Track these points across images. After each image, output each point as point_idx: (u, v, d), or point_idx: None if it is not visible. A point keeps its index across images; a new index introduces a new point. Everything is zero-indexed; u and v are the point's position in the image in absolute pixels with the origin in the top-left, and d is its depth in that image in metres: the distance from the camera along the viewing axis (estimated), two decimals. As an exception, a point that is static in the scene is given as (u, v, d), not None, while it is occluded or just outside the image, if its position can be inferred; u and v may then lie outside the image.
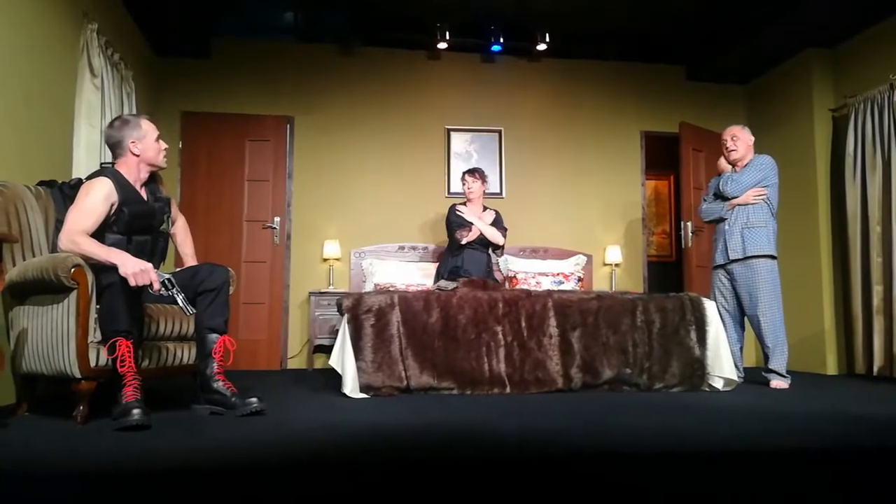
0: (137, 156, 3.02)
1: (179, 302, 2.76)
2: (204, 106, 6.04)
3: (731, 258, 4.35)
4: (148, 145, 3.04)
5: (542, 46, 6.13)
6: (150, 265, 2.69)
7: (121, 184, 2.94)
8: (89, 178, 2.99)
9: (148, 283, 2.65)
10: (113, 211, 2.90)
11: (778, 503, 1.86)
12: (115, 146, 3.04)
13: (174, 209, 3.34)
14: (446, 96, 6.43)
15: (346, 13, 5.84)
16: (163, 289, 2.70)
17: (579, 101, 6.60)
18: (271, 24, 6.00)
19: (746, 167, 4.41)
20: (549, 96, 6.58)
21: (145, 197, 3.07)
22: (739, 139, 4.46)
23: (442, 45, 6.10)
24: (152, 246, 3.09)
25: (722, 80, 6.67)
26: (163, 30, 5.51)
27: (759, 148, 6.62)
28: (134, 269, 2.63)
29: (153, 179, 3.17)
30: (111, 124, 3.09)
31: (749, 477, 1.91)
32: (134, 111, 4.89)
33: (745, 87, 6.77)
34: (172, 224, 3.32)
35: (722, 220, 4.46)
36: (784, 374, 4.19)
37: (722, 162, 4.63)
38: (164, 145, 3.14)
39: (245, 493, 1.71)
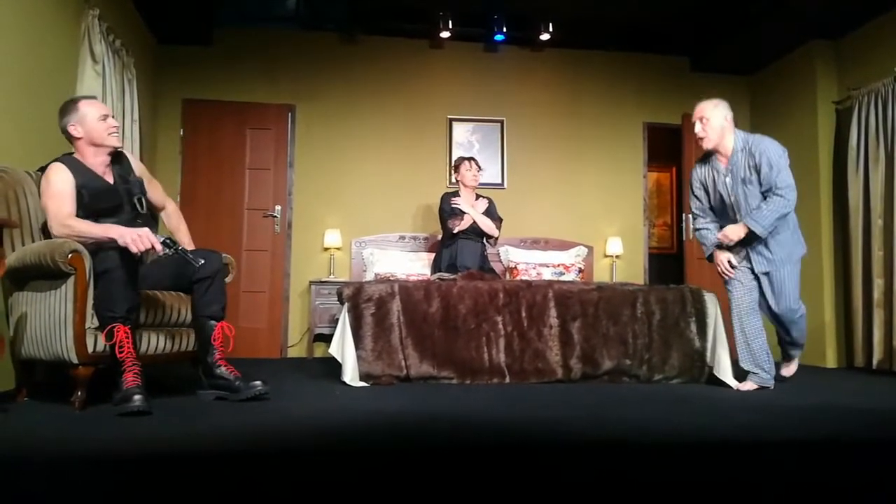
0: (80, 138, 2.98)
1: (184, 256, 2.82)
2: (205, 93, 6.02)
3: (757, 270, 3.68)
4: (89, 127, 2.95)
5: (545, 36, 6.09)
6: (146, 229, 2.70)
7: (75, 167, 2.91)
8: (42, 169, 2.98)
9: (149, 246, 2.66)
10: (75, 192, 2.87)
11: (776, 494, 1.86)
12: (63, 132, 3.01)
13: (157, 193, 3.32)
14: (448, 86, 6.40)
15: (348, 1, 5.81)
16: (165, 248, 2.73)
17: (582, 91, 6.57)
18: (273, 12, 5.97)
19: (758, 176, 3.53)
20: (552, 87, 6.56)
21: (112, 180, 3.03)
22: (709, 121, 3.60)
23: (445, 35, 6.07)
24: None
25: (725, 71, 6.63)
26: (164, 17, 5.48)
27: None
28: (132, 235, 2.64)
29: (118, 161, 3.10)
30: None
31: (747, 468, 1.91)
32: (135, 98, 4.88)
33: (749, 78, 6.73)
34: (158, 210, 3.30)
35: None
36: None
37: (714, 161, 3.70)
38: (112, 123, 3.02)
39: (245, 478, 1.71)
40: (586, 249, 6.09)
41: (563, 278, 5.42)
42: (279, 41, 6.16)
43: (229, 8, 5.81)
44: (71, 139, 3.01)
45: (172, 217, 3.41)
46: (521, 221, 6.22)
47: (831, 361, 5.53)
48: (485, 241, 5.09)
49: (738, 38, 5.98)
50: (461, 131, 6.37)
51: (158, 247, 2.70)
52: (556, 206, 6.42)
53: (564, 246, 6.15)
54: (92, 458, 1.80)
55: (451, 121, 6.35)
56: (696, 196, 3.82)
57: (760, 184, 3.55)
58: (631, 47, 6.53)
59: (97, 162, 3.00)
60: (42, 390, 3.01)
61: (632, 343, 3.94)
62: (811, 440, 2.15)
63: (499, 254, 5.89)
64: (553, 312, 3.92)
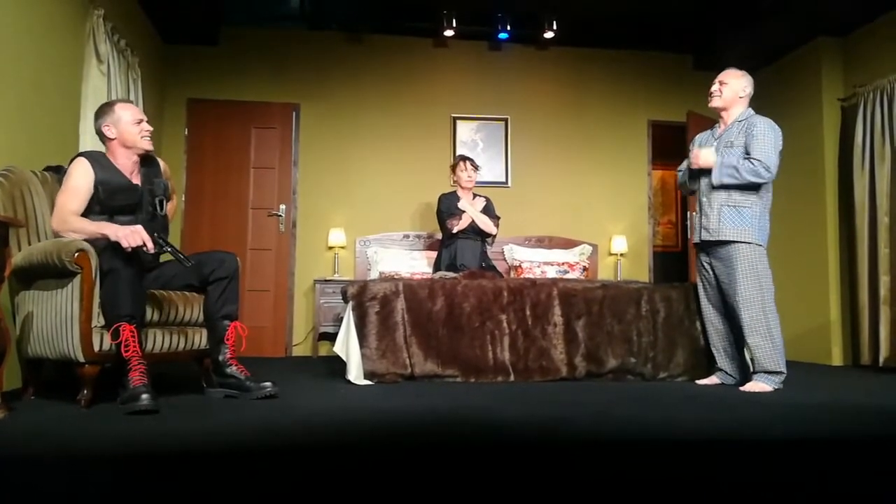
0: (114, 139, 3.01)
1: (175, 255, 2.84)
2: (210, 93, 6.04)
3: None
4: (123, 129, 2.99)
5: (549, 34, 6.09)
6: (139, 227, 2.73)
7: (101, 164, 2.95)
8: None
9: (141, 243, 2.68)
10: (92, 189, 2.91)
11: (780, 492, 1.86)
12: (97, 134, 3.07)
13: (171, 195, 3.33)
14: (453, 84, 6.41)
15: (354, 0, 5.81)
16: (157, 247, 2.77)
17: (586, 89, 6.57)
18: (278, 11, 5.97)
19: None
20: (556, 85, 6.55)
21: (137, 180, 3.05)
22: (726, 86, 3.68)
23: (449, 33, 6.06)
24: (146, 229, 2.91)
25: (729, 68, 6.61)
26: (170, 16, 5.49)
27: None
28: (124, 232, 2.67)
29: (148, 163, 3.13)
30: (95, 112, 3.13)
31: (752, 466, 1.91)
32: (140, 98, 4.89)
33: (754, 75, 6.66)
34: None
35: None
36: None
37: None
38: (146, 127, 3.06)
39: (251, 475, 1.72)
40: (591, 248, 6.08)
41: (567, 276, 5.42)
42: (284, 40, 6.17)
43: (235, 7, 5.82)
44: (104, 139, 3.05)
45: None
46: (526, 220, 6.22)
47: (837, 359, 5.51)
48: (484, 239, 5.07)
49: (742, 36, 5.96)
50: (465, 129, 6.37)
51: (150, 244, 2.70)
52: (561, 204, 6.42)
53: (569, 244, 6.14)
54: (99, 456, 1.81)
55: (454, 119, 6.36)
56: (687, 156, 3.87)
57: (746, 152, 3.48)
58: (635, 45, 6.52)
59: (127, 163, 3.03)
60: (49, 389, 3.02)
61: (636, 341, 3.94)
62: (816, 438, 2.15)
63: (503, 252, 5.89)
64: (557, 311, 3.92)
